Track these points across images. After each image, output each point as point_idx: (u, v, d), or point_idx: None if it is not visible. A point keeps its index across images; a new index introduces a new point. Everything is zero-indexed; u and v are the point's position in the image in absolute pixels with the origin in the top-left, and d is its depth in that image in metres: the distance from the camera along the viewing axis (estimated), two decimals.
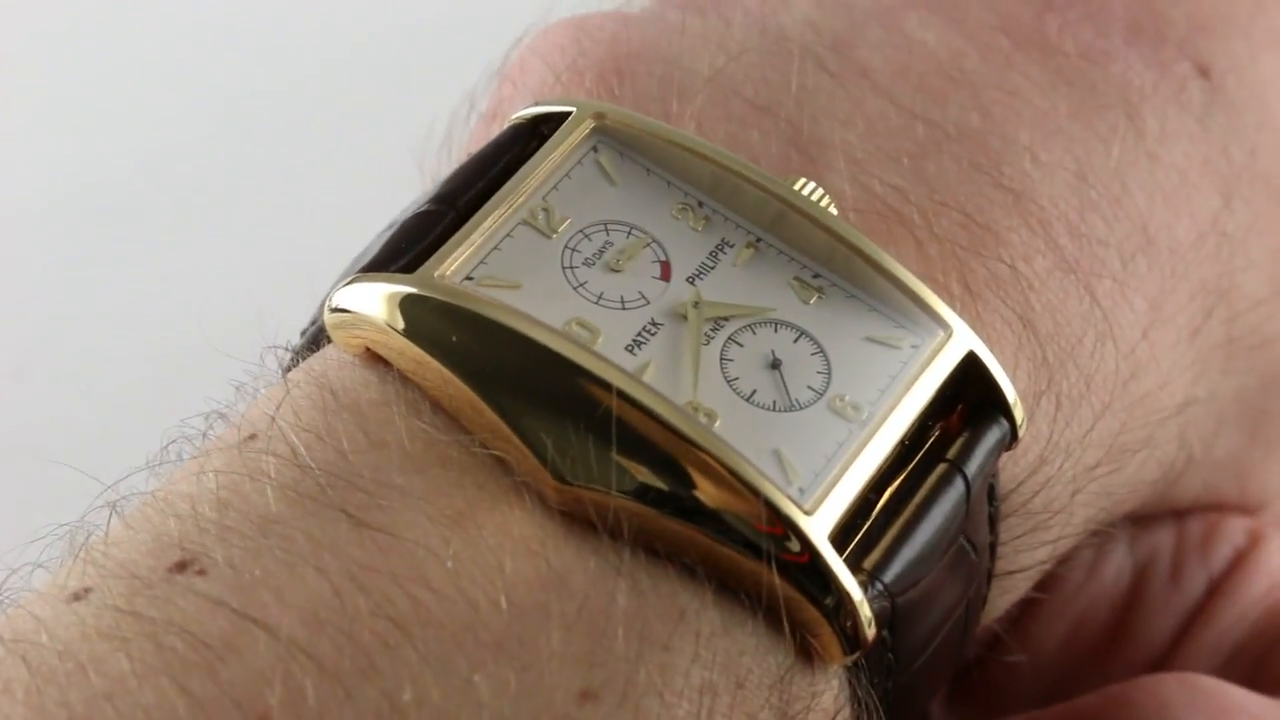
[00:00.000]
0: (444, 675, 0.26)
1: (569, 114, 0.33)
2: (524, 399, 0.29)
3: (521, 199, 0.32)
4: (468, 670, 0.27)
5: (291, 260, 0.54)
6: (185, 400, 0.32)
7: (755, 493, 0.28)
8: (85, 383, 0.57)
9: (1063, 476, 0.35)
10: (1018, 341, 0.34)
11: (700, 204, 0.33)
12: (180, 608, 0.27)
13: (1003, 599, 0.36)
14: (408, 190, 0.35)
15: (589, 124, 0.33)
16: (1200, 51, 0.38)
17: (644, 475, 0.29)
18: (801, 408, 0.30)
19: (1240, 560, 0.40)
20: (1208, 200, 0.37)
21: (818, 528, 0.29)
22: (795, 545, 0.29)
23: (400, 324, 0.30)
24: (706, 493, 0.29)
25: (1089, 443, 0.35)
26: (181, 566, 0.28)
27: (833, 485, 0.29)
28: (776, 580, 0.29)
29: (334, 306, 0.31)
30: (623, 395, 0.29)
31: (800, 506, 0.29)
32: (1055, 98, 0.36)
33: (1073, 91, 0.36)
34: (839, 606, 0.29)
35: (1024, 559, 0.35)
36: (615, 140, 0.33)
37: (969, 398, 0.32)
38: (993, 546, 0.33)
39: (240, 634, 0.26)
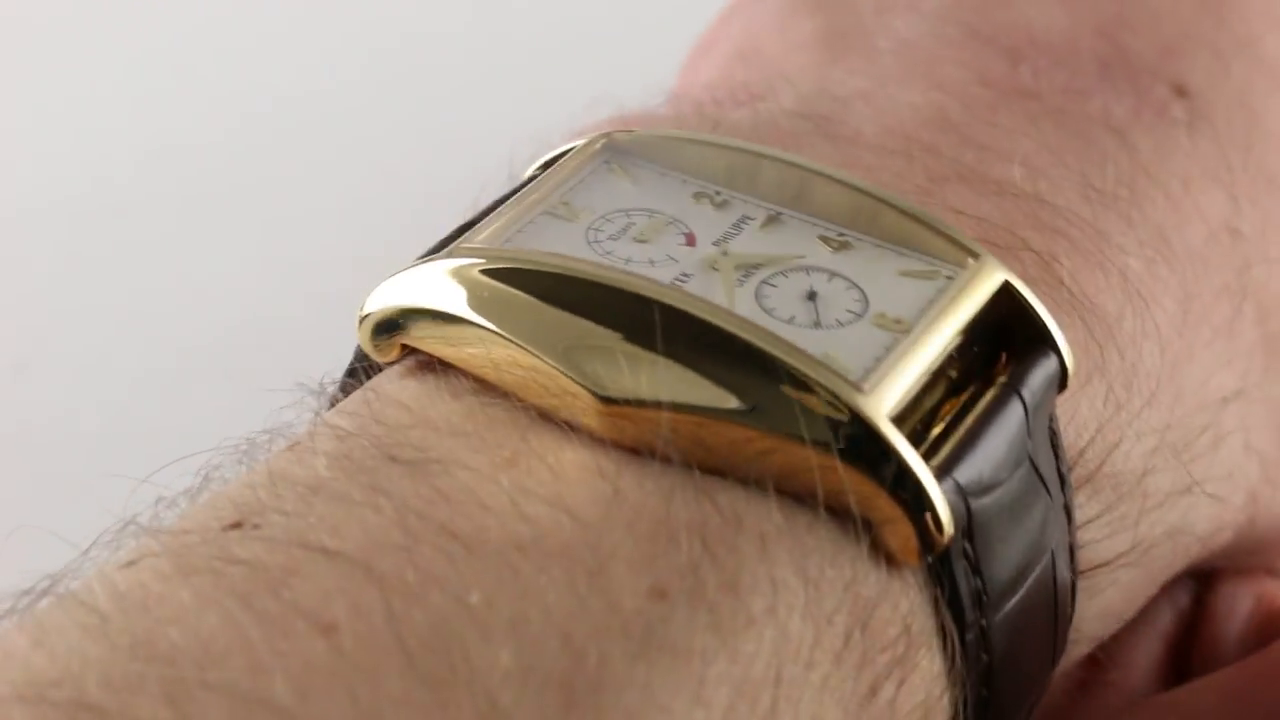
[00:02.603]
0: (510, 579, 0.26)
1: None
2: (562, 332, 0.29)
3: (537, 195, 0.32)
4: (534, 573, 0.26)
5: (296, 258, 0.53)
6: (182, 409, 0.31)
7: (808, 377, 0.28)
8: (88, 380, 0.55)
9: (1125, 452, 0.34)
10: (1058, 323, 0.33)
11: (717, 193, 0.33)
12: (238, 551, 0.26)
13: (1092, 604, 0.35)
14: (415, 192, 0.35)
15: (600, 141, 0.34)
16: (1174, 74, 0.38)
17: (690, 378, 0.28)
18: (844, 325, 0.30)
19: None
20: (1214, 203, 0.37)
21: (875, 404, 0.28)
22: (852, 423, 0.28)
23: (441, 299, 0.30)
24: (757, 389, 0.28)
25: (1145, 427, 0.34)
26: (237, 524, 0.27)
27: (886, 374, 0.29)
28: (837, 465, 0.28)
29: (365, 312, 0.31)
30: (666, 305, 0.28)
31: (856, 387, 0.28)
32: (1043, 132, 0.36)
33: (1059, 126, 0.37)
34: (906, 489, 0.28)
35: (1104, 548, 0.34)
36: (625, 152, 0.34)
37: (1012, 342, 0.31)
38: (1068, 510, 0.32)
39: (300, 561, 0.26)
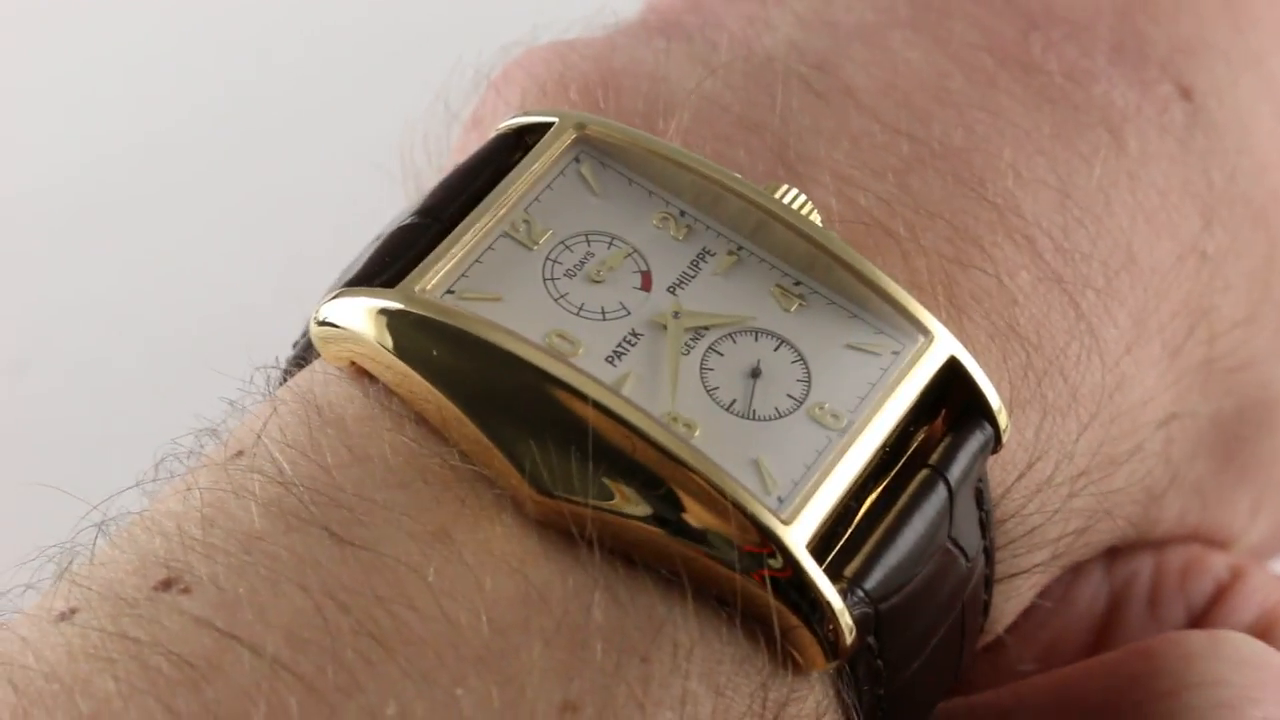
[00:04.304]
0: (427, 690, 0.27)
1: (552, 124, 0.33)
2: (504, 412, 0.30)
3: (504, 211, 0.32)
4: (450, 684, 0.27)
5: (291, 259, 0.51)
6: (177, 409, 0.32)
7: (733, 504, 0.29)
8: (81, 384, 0.56)
9: (1054, 481, 0.35)
10: (1003, 351, 0.34)
11: (682, 213, 0.33)
12: (165, 626, 0.27)
13: (1008, 604, 0.36)
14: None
15: (571, 134, 0.33)
16: (1182, 73, 0.38)
17: (621, 487, 0.29)
18: (781, 416, 0.31)
19: (1223, 594, 0.40)
20: (1188, 221, 0.37)
21: (796, 537, 0.29)
22: (775, 558, 0.29)
23: (383, 338, 0.30)
24: (684, 505, 0.29)
25: (1077, 450, 0.35)
26: (166, 584, 0.28)
27: (811, 494, 0.30)
28: (755, 590, 0.29)
29: (319, 320, 0.31)
30: (599, 407, 0.29)
31: (778, 516, 0.29)
32: (1038, 117, 0.36)
33: (1056, 110, 0.36)
34: (818, 614, 0.29)
35: (1023, 561, 0.35)
36: (597, 150, 0.34)
37: (952, 404, 0.32)
38: (988, 551, 0.33)
39: (224, 652, 0.27)
